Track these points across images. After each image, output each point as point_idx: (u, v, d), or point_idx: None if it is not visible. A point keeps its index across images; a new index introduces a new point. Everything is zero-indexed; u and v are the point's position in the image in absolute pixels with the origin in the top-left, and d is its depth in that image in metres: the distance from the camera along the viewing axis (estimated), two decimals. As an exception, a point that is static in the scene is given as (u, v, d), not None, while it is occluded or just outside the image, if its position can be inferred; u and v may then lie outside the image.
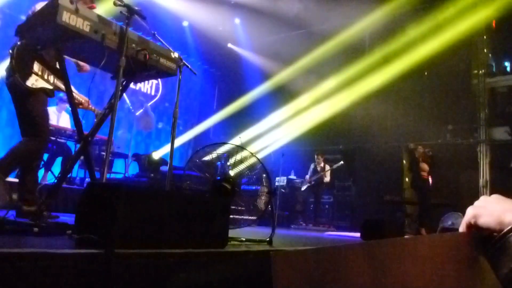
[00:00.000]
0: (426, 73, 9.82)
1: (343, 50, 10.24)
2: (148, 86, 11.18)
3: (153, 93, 11.33)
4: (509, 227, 0.59)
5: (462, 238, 0.64)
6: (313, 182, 9.21)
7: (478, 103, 9.60)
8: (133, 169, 8.85)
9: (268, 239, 2.68)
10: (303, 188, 9.36)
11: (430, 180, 7.90)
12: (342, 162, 9.36)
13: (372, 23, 9.84)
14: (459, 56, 9.50)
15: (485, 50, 9.76)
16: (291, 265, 0.63)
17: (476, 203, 0.66)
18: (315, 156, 9.46)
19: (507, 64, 10.19)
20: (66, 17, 2.32)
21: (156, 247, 1.60)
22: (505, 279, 0.57)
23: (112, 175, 7.92)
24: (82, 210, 1.76)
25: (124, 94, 10.36)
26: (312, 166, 9.43)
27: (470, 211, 0.65)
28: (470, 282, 0.61)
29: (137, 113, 9.94)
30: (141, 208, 1.75)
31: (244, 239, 2.59)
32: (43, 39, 2.58)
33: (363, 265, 0.61)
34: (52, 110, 6.74)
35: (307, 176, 9.37)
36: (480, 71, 9.70)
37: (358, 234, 4.26)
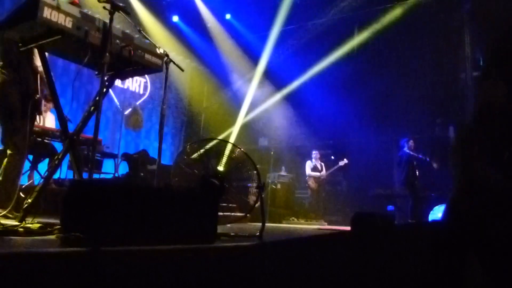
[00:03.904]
0: (414, 67, 9.89)
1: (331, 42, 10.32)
2: (136, 85, 11.09)
3: (141, 92, 11.23)
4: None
5: (441, 227, 0.64)
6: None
7: (465, 96, 9.69)
8: (123, 168, 8.77)
9: (258, 234, 2.66)
10: (313, 185, 9.28)
11: (417, 173, 8.04)
12: (346, 160, 9.36)
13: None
14: (446, 49, 9.58)
15: (470, 44, 9.85)
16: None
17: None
18: (314, 153, 9.45)
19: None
20: (48, 13, 2.27)
21: (144, 243, 1.58)
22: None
23: (102, 175, 7.84)
24: (68, 209, 1.73)
25: (113, 94, 10.20)
26: (312, 163, 9.37)
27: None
28: (450, 268, 0.61)
29: (126, 112, 9.86)
30: (128, 205, 1.73)
31: (233, 234, 2.58)
32: (25, 37, 2.53)
33: (348, 254, 0.60)
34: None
35: (312, 173, 9.31)
36: (467, 65, 9.78)
37: (348, 228, 4.26)
